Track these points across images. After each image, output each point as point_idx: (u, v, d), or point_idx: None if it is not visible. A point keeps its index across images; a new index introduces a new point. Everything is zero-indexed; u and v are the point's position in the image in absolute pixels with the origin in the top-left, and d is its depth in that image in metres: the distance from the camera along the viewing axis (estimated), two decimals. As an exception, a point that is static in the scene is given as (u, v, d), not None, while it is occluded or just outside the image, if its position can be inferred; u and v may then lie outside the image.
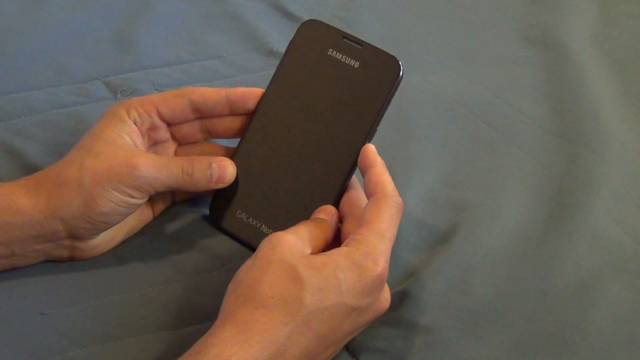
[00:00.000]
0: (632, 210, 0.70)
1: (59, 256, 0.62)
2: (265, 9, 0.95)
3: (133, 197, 0.60)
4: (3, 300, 0.59)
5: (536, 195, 0.71)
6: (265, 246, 0.55)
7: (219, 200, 0.66)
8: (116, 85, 0.81)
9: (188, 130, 0.67)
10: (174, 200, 0.68)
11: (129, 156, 0.60)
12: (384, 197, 0.58)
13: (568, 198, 0.70)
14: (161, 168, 0.61)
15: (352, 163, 0.63)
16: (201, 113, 0.66)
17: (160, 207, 0.67)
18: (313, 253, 0.57)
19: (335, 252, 0.55)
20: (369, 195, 0.59)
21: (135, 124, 0.63)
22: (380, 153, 0.71)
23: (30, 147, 0.72)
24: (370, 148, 0.62)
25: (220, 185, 0.64)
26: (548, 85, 0.85)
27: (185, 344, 0.52)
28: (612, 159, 0.75)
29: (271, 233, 0.63)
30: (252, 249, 0.64)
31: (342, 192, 0.63)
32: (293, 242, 0.55)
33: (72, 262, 0.62)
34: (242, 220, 0.65)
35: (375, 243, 0.56)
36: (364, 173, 0.61)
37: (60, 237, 0.60)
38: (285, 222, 0.61)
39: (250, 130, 0.66)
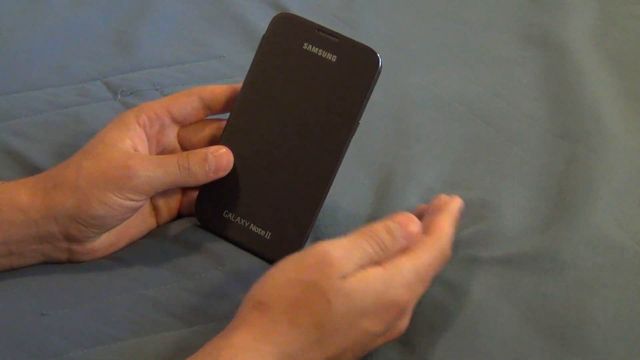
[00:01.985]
0: (632, 210, 0.70)
1: (57, 258, 0.62)
2: (265, 9, 0.95)
3: (132, 199, 0.60)
4: (3, 300, 0.59)
5: (536, 195, 0.71)
6: (308, 261, 0.53)
7: (204, 202, 0.66)
8: (116, 85, 0.81)
9: (198, 141, 0.66)
10: (180, 214, 0.68)
11: (125, 159, 0.60)
12: (439, 242, 0.57)
13: (568, 198, 0.70)
14: (157, 166, 0.61)
15: (338, 157, 0.63)
16: (212, 110, 0.66)
17: (165, 218, 0.67)
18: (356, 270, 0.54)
19: (372, 276, 0.53)
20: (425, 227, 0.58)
21: (144, 128, 0.63)
22: (380, 153, 0.71)
23: (30, 148, 0.72)
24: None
25: (220, 174, 0.63)
26: (548, 85, 0.85)
27: (186, 344, 0.52)
28: (612, 159, 0.75)
29: (260, 231, 0.64)
30: (244, 248, 0.64)
31: (330, 185, 0.63)
32: (337, 262, 0.53)
33: (72, 263, 0.62)
34: (230, 221, 0.65)
35: (413, 281, 0.55)
36: (433, 209, 0.60)
37: (56, 239, 0.60)
38: (273, 219, 0.62)
39: (228, 131, 0.65)
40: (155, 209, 0.66)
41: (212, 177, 0.63)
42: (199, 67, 0.85)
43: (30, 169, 0.69)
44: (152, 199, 0.65)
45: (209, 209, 0.66)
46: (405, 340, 0.58)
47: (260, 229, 0.64)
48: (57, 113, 0.77)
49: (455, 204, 0.61)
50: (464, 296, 0.62)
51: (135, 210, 0.62)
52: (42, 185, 0.60)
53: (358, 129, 0.64)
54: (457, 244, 0.65)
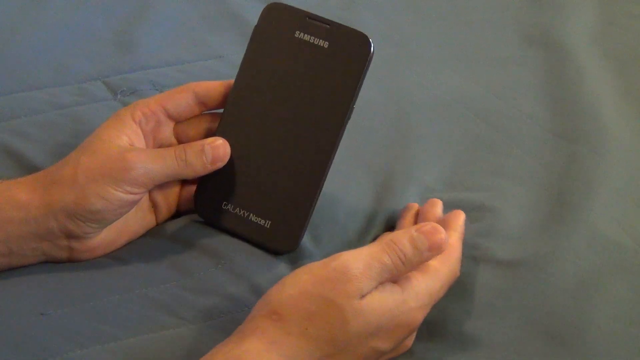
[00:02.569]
0: (632, 210, 0.70)
1: (57, 257, 0.62)
2: (265, 9, 0.95)
3: (131, 193, 0.60)
4: (3, 300, 0.59)
5: (536, 195, 0.71)
6: (328, 275, 0.53)
7: (203, 195, 0.66)
8: (116, 85, 0.81)
9: (194, 135, 0.67)
10: (178, 209, 0.68)
11: (122, 152, 0.61)
12: (452, 262, 0.58)
13: (568, 198, 0.70)
14: (154, 158, 0.61)
15: (334, 142, 0.63)
16: (206, 106, 0.66)
17: (164, 214, 0.67)
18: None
19: (389, 297, 0.53)
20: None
21: (140, 125, 0.64)
22: (380, 153, 0.71)
23: (30, 148, 0.72)
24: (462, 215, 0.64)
25: (218, 165, 0.63)
26: (548, 85, 0.85)
27: (185, 343, 0.52)
28: (612, 159, 0.75)
29: (260, 221, 0.64)
30: (244, 239, 0.64)
31: (328, 171, 0.63)
32: (357, 279, 0.52)
33: (72, 262, 0.62)
34: (229, 212, 0.65)
35: (426, 302, 0.56)
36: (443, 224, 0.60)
37: (56, 236, 0.60)
38: (272, 208, 0.62)
39: (223, 122, 0.66)
40: (154, 205, 0.66)
41: (210, 168, 0.63)
42: (198, 67, 0.85)
43: (30, 169, 0.69)
44: (150, 194, 0.65)
45: (207, 201, 0.66)
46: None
47: (259, 219, 0.64)
48: (56, 113, 0.77)
49: (461, 219, 0.63)
50: (464, 296, 0.62)
51: (133, 204, 0.62)
52: (41, 183, 0.60)
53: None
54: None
